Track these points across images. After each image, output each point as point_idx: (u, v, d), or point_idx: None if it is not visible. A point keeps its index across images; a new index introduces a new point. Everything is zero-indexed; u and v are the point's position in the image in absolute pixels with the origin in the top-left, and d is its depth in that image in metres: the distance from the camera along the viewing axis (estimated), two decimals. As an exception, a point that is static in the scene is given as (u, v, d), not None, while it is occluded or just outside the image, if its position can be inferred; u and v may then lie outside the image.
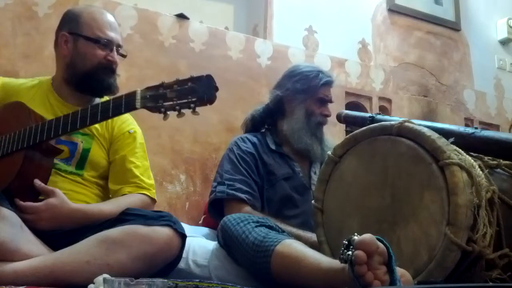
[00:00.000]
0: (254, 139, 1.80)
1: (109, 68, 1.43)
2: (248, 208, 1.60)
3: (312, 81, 1.80)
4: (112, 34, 1.43)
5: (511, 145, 1.19)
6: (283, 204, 1.70)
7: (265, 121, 1.88)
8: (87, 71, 1.41)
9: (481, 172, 1.14)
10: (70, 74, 1.43)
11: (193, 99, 1.09)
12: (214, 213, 1.71)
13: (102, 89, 1.43)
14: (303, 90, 1.79)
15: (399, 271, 0.95)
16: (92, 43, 1.41)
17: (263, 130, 1.90)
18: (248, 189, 1.65)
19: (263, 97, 2.07)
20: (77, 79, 1.42)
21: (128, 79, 1.96)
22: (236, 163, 1.70)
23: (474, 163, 1.14)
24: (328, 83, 1.83)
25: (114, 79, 1.44)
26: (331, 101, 1.85)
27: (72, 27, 1.43)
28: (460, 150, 1.16)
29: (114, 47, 1.44)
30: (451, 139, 1.16)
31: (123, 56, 1.48)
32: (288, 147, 1.81)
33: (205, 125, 2.16)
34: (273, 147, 1.80)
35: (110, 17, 1.47)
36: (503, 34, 3.28)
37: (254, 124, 1.88)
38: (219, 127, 2.21)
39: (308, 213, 1.63)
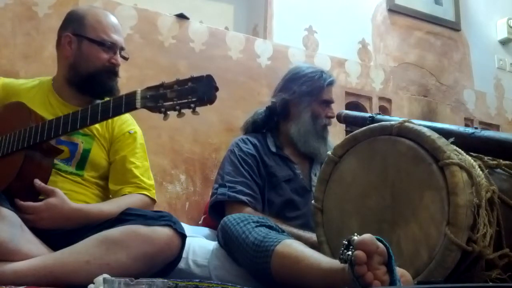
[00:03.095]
0: (255, 141, 1.80)
1: (112, 71, 1.43)
2: (249, 210, 1.60)
3: (317, 83, 1.80)
4: (116, 37, 1.44)
5: (511, 145, 1.20)
6: (284, 206, 1.69)
7: (266, 124, 1.88)
8: (90, 73, 1.41)
9: (481, 172, 1.13)
10: (72, 75, 1.43)
11: (193, 99, 1.09)
12: (215, 215, 1.70)
13: (104, 91, 1.43)
14: (309, 92, 1.79)
15: (399, 271, 0.95)
16: (97, 45, 1.41)
17: (264, 131, 1.89)
18: (249, 191, 1.65)
19: (263, 97, 2.07)
20: (79, 81, 1.42)
21: (128, 79, 1.96)
22: (237, 164, 1.70)
23: (474, 163, 1.14)
24: (332, 83, 1.84)
25: (116, 82, 1.45)
26: (333, 101, 1.86)
27: (76, 28, 1.42)
28: (460, 150, 1.16)
29: (118, 50, 1.44)
30: (451, 139, 1.16)
31: (125, 58, 1.49)
32: (289, 149, 1.81)
33: (205, 125, 2.16)
34: (273, 149, 1.79)
35: (114, 19, 1.47)
36: (503, 34, 3.28)
37: (255, 127, 1.88)
38: (219, 127, 2.21)
39: (309, 214, 1.63)
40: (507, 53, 3.32)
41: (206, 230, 1.77)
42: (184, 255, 1.31)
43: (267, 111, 1.86)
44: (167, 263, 1.22)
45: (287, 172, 1.76)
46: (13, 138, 1.26)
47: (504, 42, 3.31)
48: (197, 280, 1.09)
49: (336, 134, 2.24)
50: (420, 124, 1.23)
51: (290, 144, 1.81)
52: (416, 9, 2.97)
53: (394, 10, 2.90)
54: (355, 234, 0.93)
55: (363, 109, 2.62)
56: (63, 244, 1.17)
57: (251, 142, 1.78)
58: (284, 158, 1.79)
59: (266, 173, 1.73)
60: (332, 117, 1.83)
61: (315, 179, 1.75)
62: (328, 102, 1.83)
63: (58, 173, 1.36)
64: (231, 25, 2.66)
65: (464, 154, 1.16)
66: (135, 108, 1.16)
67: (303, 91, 1.79)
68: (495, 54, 3.26)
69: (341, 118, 1.82)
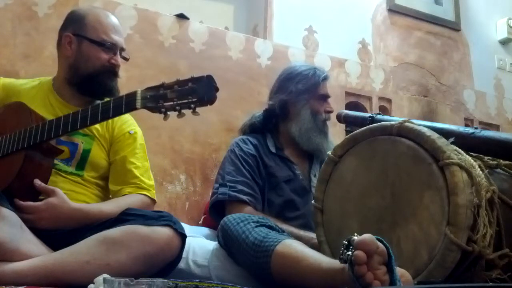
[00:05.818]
0: (255, 141, 1.80)
1: (112, 72, 1.43)
2: (250, 209, 1.60)
3: (312, 79, 1.81)
4: (116, 38, 1.44)
5: (511, 145, 1.20)
6: (284, 206, 1.69)
7: (264, 126, 1.88)
8: (90, 73, 1.41)
9: (481, 172, 1.14)
10: (72, 75, 1.43)
11: (194, 100, 1.09)
12: (215, 215, 1.70)
13: (104, 92, 1.43)
14: (305, 90, 1.80)
15: (399, 271, 0.95)
16: (97, 46, 1.41)
17: (263, 132, 1.89)
18: (249, 190, 1.65)
19: (263, 97, 2.07)
20: (79, 81, 1.42)
21: (128, 79, 1.96)
22: (238, 164, 1.70)
23: (474, 163, 1.14)
24: (326, 78, 1.86)
25: (116, 82, 1.45)
26: (329, 96, 1.88)
27: (77, 29, 1.43)
28: (460, 150, 1.16)
29: (118, 51, 1.44)
30: (451, 139, 1.16)
31: (126, 59, 1.49)
32: (288, 150, 1.82)
33: (205, 125, 2.16)
34: (273, 150, 1.79)
35: (114, 20, 1.47)
36: (503, 34, 3.28)
37: (253, 130, 1.88)
38: (219, 127, 2.21)
39: (309, 215, 1.63)
40: (507, 53, 3.32)
41: (206, 230, 1.76)
42: (184, 255, 1.31)
43: (265, 114, 1.87)
44: (167, 263, 1.22)
45: (287, 172, 1.76)
46: (13, 138, 1.26)
47: (504, 42, 3.31)
48: (197, 280, 1.09)
49: (336, 134, 2.23)
50: (420, 124, 1.23)
51: (290, 145, 1.82)
52: (416, 9, 2.97)
53: (394, 10, 2.90)
54: (355, 234, 0.93)
55: (363, 109, 2.62)
56: (63, 244, 1.17)
57: (251, 142, 1.79)
58: (284, 158, 1.79)
59: (266, 173, 1.73)
60: (331, 111, 1.85)
61: (314, 180, 1.75)
62: (325, 97, 1.85)
63: (58, 173, 1.36)
64: (231, 25, 2.66)
65: (464, 154, 1.16)
66: (135, 109, 1.16)
67: (300, 90, 1.80)
68: (495, 54, 3.26)
69: (341, 118, 1.82)
